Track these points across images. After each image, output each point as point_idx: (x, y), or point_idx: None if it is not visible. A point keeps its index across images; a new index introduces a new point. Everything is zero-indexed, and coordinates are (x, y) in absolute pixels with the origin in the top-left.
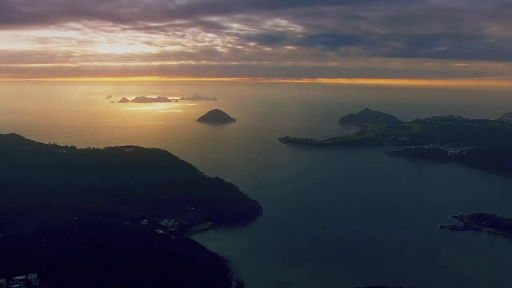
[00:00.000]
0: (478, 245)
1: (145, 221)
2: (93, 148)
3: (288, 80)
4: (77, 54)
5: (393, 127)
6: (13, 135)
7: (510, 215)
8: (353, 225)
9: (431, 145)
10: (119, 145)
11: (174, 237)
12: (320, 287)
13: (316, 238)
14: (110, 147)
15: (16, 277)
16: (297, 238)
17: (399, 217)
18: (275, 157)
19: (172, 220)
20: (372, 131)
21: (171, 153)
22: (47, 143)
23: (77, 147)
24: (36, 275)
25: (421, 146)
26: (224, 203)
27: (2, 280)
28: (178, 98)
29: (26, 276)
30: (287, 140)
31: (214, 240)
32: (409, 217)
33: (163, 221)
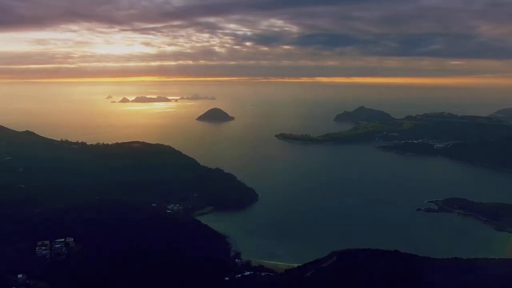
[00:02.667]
0: (446, 223)
1: (153, 205)
2: (102, 143)
3: (286, 80)
4: (76, 55)
5: (385, 123)
6: (27, 132)
7: (480, 199)
8: (339, 207)
9: (420, 140)
10: (125, 141)
11: (181, 216)
12: (305, 255)
13: (305, 217)
14: (117, 143)
15: (57, 240)
16: (288, 219)
17: (381, 202)
18: (271, 152)
19: (178, 205)
20: (364, 128)
21: (174, 148)
22: (59, 139)
23: (87, 143)
24: (72, 239)
25: (410, 141)
26: (224, 190)
27: (47, 242)
28: (178, 97)
29: (65, 239)
30: (283, 137)
31: (215, 221)
32: (390, 202)
33: (170, 205)
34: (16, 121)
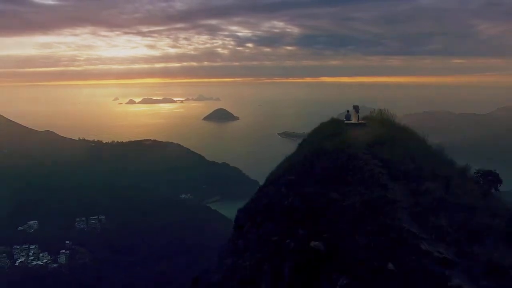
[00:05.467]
0: None
1: None
2: (117, 141)
3: (290, 80)
4: (82, 58)
5: None
6: (48, 132)
7: None
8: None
9: None
10: (137, 139)
11: (192, 203)
12: None
13: None
14: (130, 141)
15: (92, 217)
16: None
17: None
18: (273, 148)
19: (189, 195)
20: None
21: (182, 146)
22: (77, 138)
23: (102, 141)
24: (104, 216)
25: None
26: (230, 182)
27: (83, 218)
28: (183, 98)
29: (98, 217)
30: (285, 134)
31: (222, 208)
32: None
33: (181, 195)
34: (30, 122)
